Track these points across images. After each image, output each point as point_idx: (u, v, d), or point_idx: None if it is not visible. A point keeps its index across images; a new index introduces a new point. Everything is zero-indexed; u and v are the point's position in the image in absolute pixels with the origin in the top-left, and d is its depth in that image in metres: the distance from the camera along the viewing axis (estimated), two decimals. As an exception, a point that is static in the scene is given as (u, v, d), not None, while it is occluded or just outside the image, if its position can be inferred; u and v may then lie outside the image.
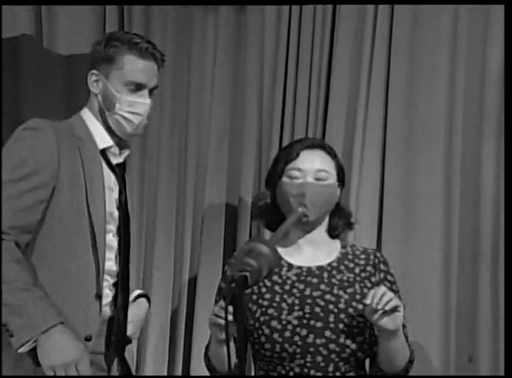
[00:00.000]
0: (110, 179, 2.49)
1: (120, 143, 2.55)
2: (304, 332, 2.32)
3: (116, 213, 2.47)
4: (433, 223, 3.22)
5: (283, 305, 2.35)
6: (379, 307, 2.18)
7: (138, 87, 2.46)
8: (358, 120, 3.32)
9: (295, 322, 2.33)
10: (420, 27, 3.27)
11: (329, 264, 2.42)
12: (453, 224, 3.19)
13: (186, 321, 3.46)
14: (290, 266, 2.42)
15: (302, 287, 2.38)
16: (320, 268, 2.41)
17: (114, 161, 2.51)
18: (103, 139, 2.49)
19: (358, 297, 2.36)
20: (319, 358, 2.31)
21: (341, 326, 2.32)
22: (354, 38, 3.34)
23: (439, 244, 3.20)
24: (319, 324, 2.32)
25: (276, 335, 2.33)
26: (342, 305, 2.34)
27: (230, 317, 1.87)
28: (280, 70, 3.43)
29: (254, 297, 2.39)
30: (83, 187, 2.38)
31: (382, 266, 2.44)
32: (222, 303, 2.22)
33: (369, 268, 2.42)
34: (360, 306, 2.33)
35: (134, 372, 3.08)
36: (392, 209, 3.25)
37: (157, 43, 3.45)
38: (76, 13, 3.39)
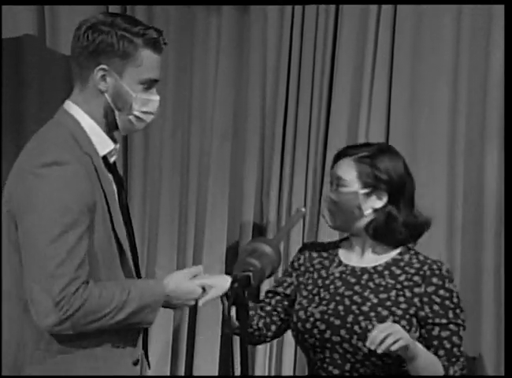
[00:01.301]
0: (112, 186, 2.26)
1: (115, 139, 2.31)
2: (323, 327, 2.36)
3: (121, 218, 2.26)
4: (436, 223, 3.21)
5: (316, 298, 2.42)
6: (379, 351, 2.19)
7: (151, 84, 2.24)
8: (361, 120, 3.32)
9: (318, 316, 2.38)
10: (422, 28, 3.27)
11: (374, 268, 2.43)
12: (456, 226, 3.19)
13: (188, 321, 3.47)
14: (339, 263, 2.47)
15: (339, 284, 2.42)
16: (363, 269, 2.43)
17: (111, 160, 2.27)
18: (105, 145, 2.23)
19: (387, 303, 2.36)
20: (336, 356, 2.35)
21: (356, 327, 2.32)
22: (356, 39, 3.34)
23: (442, 247, 3.20)
24: (337, 322, 2.35)
25: (299, 325, 2.40)
26: (365, 308, 2.35)
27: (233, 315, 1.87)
28: (282, 70, 3.44)
29: (300, 287, 2.48)
30: (107, 214, 2.16)
31: (435, 280, 2.37)
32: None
33: (416, 278, 2.39)
34: (385, 312, 2.34)
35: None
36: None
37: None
38: (78, 13, 3.38)
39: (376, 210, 2.42)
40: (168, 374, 3.46)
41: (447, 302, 2.36)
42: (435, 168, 3.24)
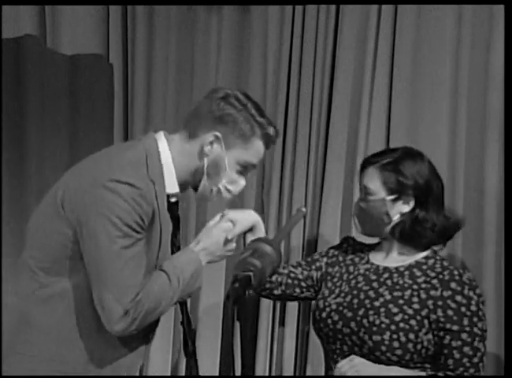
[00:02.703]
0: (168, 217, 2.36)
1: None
2: (336, 318, 2.44)
3: (169, 251, 2.36)
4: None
5: (337, 290, 2.50)
6: None
7: (247, 170, 2.37)
8: (362, 120, 3.32)
9: (334, 306, 2.46)
10: (423, 27, 3.27)
11: (396, 268, 2.47)
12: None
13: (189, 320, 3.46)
14: (367, 261, 2.54)
15: (360, 279, 2.49)
16: (386, 268, 2.48)
17: (173, 199, 2.37)
18: (172, 185, 2.32)
19: (400, 301, 2.39)
20: (345, 348, 2.41)
21: (364, 321, 2.38)
22: (357, 39, 3.34)
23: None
24: (349, 314, 2.42)
25: (317, 313, 2.49)
26: (377, 304, 2.39)
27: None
28: (283, 70, 3.43)
29: (327, 277, 2.56)
30: (158, 236, 2.27)
31: (453, 285, 2.37)
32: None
33: (434, 281, 2.40)
34: (395, 310, 2.37)
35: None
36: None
37: (160, 44, 3.49)
38: (79, 13, 3.39)
39: (403, 214, 2.45)
40: (169, 374, 3.46)
41: (463, 309, 2.35)
42: (436, 167, 3.23)
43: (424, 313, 2.36)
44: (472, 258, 3.18)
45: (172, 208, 2.35)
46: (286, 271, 2.60)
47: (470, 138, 3.21)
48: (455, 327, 2.33)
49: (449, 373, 2.33)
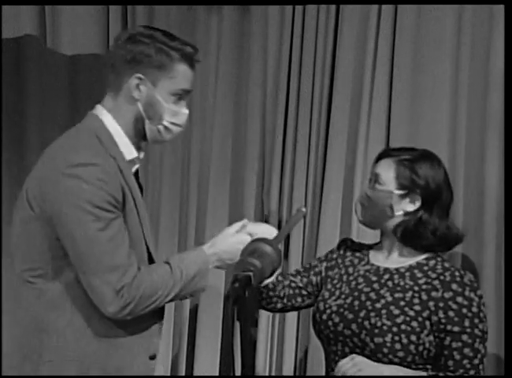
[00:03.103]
0: (137, 186, 2.34)
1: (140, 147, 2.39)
2: (337, 320, 2.44)
3: (147, 218, 2.35)
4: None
5: (337, 292, 2.50)
6: None
7: (183, 95, 2.32)
8: (362, 120, 3.32)
9: (334, 308, 2.46)
10: (423, 27, 3.27)
11: (397, 269, 2.47)
12: (457, 224, 3.18)
13: (189, 321, 3.47)
14: (367, 262, 2.54)
15: (361, 281, 2.49)
16: (386, 269, 2.48)
17: (133, 168, 2.36)
18: (130, 151, 2.31)
19: (401, 303, 2.39)
20: (346, 349, 2.41)
21: (366, 323, 2.38)
22: (357, 39, 3.34)
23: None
24: (350, 316, 2.41)
25: (317, 315, 2.49)
26: (378, 305, 2.40)
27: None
28: (283, 70, 3.43)
29: (327, 279, 2.57)
30: (135, 212, 2.26)
31: (454, 286, 2.38)
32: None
33: (435, 283, 2.41)
34: (397, 311, 2.38)
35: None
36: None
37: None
38: (79, 13, 3.39)
39: (407, 213, 2.46)
40: (169, 374, 3.46)
41: (465, 310, 2.35)
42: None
43: (425, 314, 2.36)
44: (472, 258, 3.18)
45: (135, 177, 2.34)
46: (287, 282, 2.60)
47: (470, 138, 3.21)
48: (456, 329, 2.34)
49: (449, 374, 2.33)
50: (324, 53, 3.38)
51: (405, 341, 2.34)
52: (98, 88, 3.48)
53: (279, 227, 3.39)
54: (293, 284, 2.58)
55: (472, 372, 2.34)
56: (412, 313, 2.36)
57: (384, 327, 2.35)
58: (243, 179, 3.51)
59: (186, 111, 2.34)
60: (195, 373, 3.44)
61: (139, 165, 2.38)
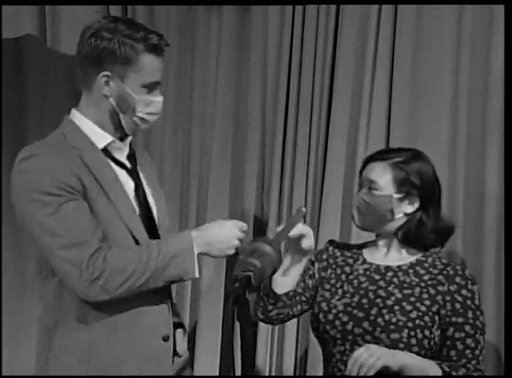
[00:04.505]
0: (122, 175, 2.35)
1: (123, 137, 2.40)
2: (345, 319, 2.41)
3: (137, 211, 2.34)
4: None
5: (339, 291, 2.48)
6: None
7: (153, 87, 2.32)
8: (362, 120, 3.32)
9: (341, 307, 2.43)
10: (423, 27, 3.27)
11: (398, 267, 2.48)
12: (457, 224, 3.19)
13: (189, 321, 3.47)
14: (363, 261, 2.53)
15: (363, 279, 2.48)
16: (387, 267, 2.49)
17: (120, 155, 2.37)
18: (101, 138, 2.32)
19: (411, 299, 2.41)
20: (357, 348, 2.37)
21: (379, 320, 2.37)
22: (357, 39, 3.34)
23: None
24: (360, 314, 2.40)
25: (321, 316, 2.45)
26: (390, 302, 2.40)
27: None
28: (283, 70, 3.43)
29: (323, 281, 2.54)
30: (104, 196, 2.26)
31: (458, 279, 2.43)
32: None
33: (439, 277, 2.44)
34: (409, 307, 2.39)
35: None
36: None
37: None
38: (79, 13, 3.39)
39: (406, 214, 2.48)
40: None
41: (469, 302, 2.41)
42: (435, 167, 3.23)
43: (435, 308, 2.39)
44: (472, 258, 3.17)
45: (128, 163, 2.37)
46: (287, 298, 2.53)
47: (470, 139, 3.21)
48: (460, 320, 2.39)
49: (457, 370, 2.35)
50: (324, 54, 3.38)
51: (420, 336, 2.36)
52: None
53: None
54: (291, 293, 2.51)
55: (473, 363, 2.38)
56: (423, 308, 2.39)
57: (400, 323, 2.36)
58: (243, 180, 3.51)
59: (159, 98, 2.33)
60: (195, 373, 3.43)
61: (131, 152, 2.39)
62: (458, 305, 2.40)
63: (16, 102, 3.38)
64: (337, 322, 2.42)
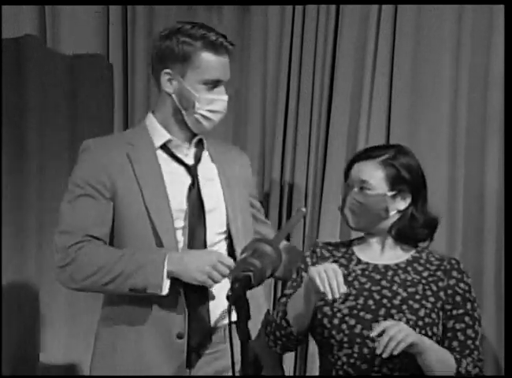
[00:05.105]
0: (178, 172, 2.46)
1: (189, 134, 2.50)
2: (352, 322, 2.37)
3: (185, 209, 2.43)
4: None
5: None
6: (384, 356, 2.21)
7: (215, 84, 2.40)
8: (362, 120, 3.32)
9: (346, 311, 2.39)
10: (423, 27, 3.27)
11: (396, 265, 2.48)
12: (457, 225, 3.19)
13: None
14: (358, 261, 2.50)
15: (363, 280, 2.45)
16: (386, 266, 2.47)
17: (180, 152, 2.47)
18: (160, 136, 2.45)
19: (417, 297, 2.40)
20: (365, 350, 2.35)
21: (389, 320, 2.33)
22: (357, 39, 3.34)
23: (443, 246, 3.20)
24: (368, 316, 2.37)
25: (325, 321, 2.40)
26: (396, 302, 2.38)
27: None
28: (283, 70, 3.43)
29: None
30: (137, 190, 2.37)
31: (454, 273, 2.45)
32: (332, 265, 2.26)
33: (438, 273, 2.45)
34: (416, 305, 2.38)
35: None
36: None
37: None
38: (79, 13, 3.39)
39: (399, 211, 2.48)
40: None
41: (467, 295, 2.44)
42: (435, 167, 3.23)
43: (439, 304, 2.40)
44: (472, 258, 3.17)
45: (192, 160, 2.46)
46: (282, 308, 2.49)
47: (470, 138, 3.21)
48: (460, 311, 2.40)
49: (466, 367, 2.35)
50: (324, 53, 3.38)
51: (430, 333, 2.36)
52: (97, 88, 3.49)
53: (279, 227, 3.39)
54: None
55: (476, 353, 2.38)
56: (429, 305, 2.39)
57: (411, 322, 2.34)
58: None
59: (223, 97, 2.42)
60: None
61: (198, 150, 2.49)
62: (458, 298, 2.41)
63: (16, 102, 3.38)
64: (344, 326, 2.37)
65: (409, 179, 2.47)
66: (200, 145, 2.53)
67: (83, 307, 3.35)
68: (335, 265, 2.27)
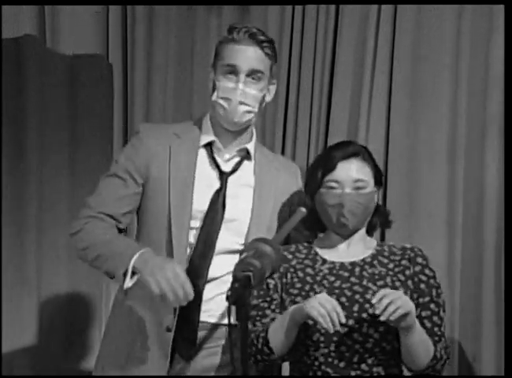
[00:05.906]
0: (211, 175, 2.47)
1: (233, 139, 2.51)
2: None
3: (205, 210, 2.44)
4: (437, 223, 3.22)
5: (311, 294, 2.37)
6: (382, 319, 2.20)
7: (230, 71, 2.41)
8: (361, 119, 3.32)
9: None
10: (423, 27, 3.27)
11: (362, 260, 2.46)
12: (456, 226, 3.19)
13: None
14: (324, 261, 2.47)
15: (332, 279, 2.42)
16: (353, 263, 2.45)
17: (221, 158, 2.48)
18: (207, 135, 2.50)
19: (387, 289, 2.37)
20: (343, 348, 2.33)
21: (364, 315, 2.33)
22: (357, 39, 3.34)
23: (443, 246, 3.20)
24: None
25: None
26: (368, 296, 2.36)
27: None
28: (283, 70, 3.43)
29: (286, 287, 2.43)
30: (166, 183, 2.42)
31: (419, 259, 2.44)
32: (324, 296, 2.26)
33: (403, 262, 2.44)
34: None
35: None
36: (395, 207, 3.23)
37: (159, 44, 3.49)
38: (79, 13, 3.39)
39: (376, 204, 2.51)
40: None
41: (432, 281, 2.43)
42: (435, 167, 3.24)
43: (408, 294, 2.37)
44: (472, 260, 3.18)
45: (218, 163, 2.47)
46: (268, 319, 2.43)
47: (470, 138, 3.21)
48: (426, 299, 2.39)
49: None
50: (323, 52, 3.38)
51: None
52: (97, 88, 3.50)
53: (279, 227, 3.38)
54: (272, 315, 2.41)
55: (443, 340, 2.38)
56: None
57: None
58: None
59: (234, 85, 2.41)
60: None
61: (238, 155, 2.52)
62: (422, 285, 2.40)
63: (16, 102, 3.38)
64: (319, 326, 2.29)
65: (380, 172, 2.50)
66: (246, 154, 2.52)
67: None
68: (326, 296, 2.26)
